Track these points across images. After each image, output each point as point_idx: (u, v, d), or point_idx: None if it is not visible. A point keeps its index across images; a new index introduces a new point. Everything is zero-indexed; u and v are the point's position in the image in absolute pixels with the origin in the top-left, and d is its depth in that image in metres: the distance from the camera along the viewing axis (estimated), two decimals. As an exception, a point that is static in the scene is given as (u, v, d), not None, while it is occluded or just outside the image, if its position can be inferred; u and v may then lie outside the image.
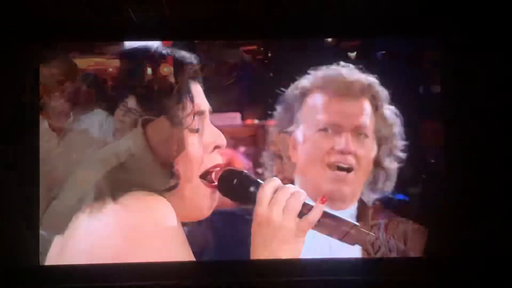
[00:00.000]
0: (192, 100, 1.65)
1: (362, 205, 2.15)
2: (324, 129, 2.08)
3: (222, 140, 1.68)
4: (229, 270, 2.13)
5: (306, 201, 1.64)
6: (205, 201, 1.67)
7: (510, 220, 2.31)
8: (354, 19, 2.32)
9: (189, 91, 1.67)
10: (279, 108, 2.18)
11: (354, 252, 2.13)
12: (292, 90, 2.16)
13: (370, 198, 2.17)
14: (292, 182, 2.13)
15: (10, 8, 2.18)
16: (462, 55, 2.36)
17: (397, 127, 2.17)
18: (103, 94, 1.98)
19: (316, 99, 2.12)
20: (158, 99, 1.71)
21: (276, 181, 1.61)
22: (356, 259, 2.17)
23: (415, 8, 2.29)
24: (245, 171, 1.71)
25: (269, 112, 2.19)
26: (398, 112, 2.17)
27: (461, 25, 2.35)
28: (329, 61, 2.19)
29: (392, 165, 2.17)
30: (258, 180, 1.67)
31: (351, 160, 2.05)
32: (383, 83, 2.16)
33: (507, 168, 2.33)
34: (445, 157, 2.33)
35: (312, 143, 2.08)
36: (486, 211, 2.31)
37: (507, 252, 2.28)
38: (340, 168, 2.06)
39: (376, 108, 2.12)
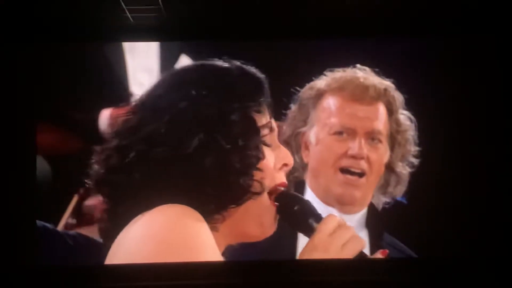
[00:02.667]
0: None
1: (372, 210, 2.14)
2: (338, 133, 2.08)
3: (290, 159, 1.65)
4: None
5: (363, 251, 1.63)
6: (269, 218, 1.61)
7: (506, 220, 2.33)
8: (371, 19, 2.32)
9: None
10: (293, 108, 2.17)
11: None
12: (307, 91, 2.15)
13: (380, 201, 2.16)
14: (303, 183, 2.13)
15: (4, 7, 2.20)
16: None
17: (411, 133, 2.16)
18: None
19: (331, 102, 2.11)
20: None
21: (339, 218, 1.62)
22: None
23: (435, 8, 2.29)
24: (308, 200, 1.71)
25: (283, 111, 2.19)
26: (412, 118, 2.16)
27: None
28: (345, 62, 2.18)
29: (404, 170, 2.16)
30: (319, 213, 1.67)
31: (363, 165, 2.05)
32: (398, 87, 2.15)
33: (504, 168, 2.35)
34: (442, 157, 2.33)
35: (325, 146, 2.08)
36: (482, 211, 2.33)
37: (502, 252, 2.30)
38: (352, 173, 2.06)
39: (391, 113, 2.11)
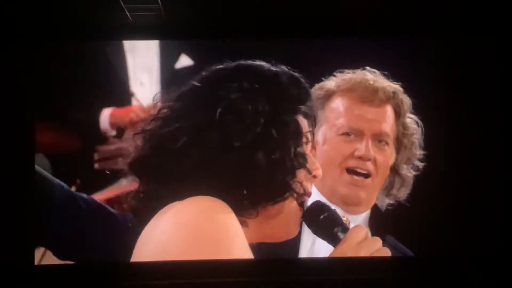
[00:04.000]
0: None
1: (375, 211, 2.17)
2: (346, 134, 2.10)
3: (320, 172, 1.68)
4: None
5: None
6: (295, 221, 1.63)
7: (500, 219, 2.37)
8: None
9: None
10: None
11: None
12: (316, 91, 2.16)
13: (384, 203, 2.18)
14: (309, 182, 2.15)
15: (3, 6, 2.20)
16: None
17: (417, 136, 2.18)
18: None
19: (340, 103, 2.13)
20: None
21: (366, 229, 1.66)
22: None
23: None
24: (334, 208, 1.74)
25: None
26: (419, 122, 2.18)
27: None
28: (353, 63, 2.20)
29: (409, 173, 2.18)
30: (345, 223, 1.70)
31: (369, 166, 2.07)
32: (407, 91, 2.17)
33: (500, 168, 2.39)
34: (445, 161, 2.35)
35: (332, 146, 2.10)
36: (486, 215, 2.37)
37: (497, 252, 2.34)
38: (358, 173, 2.08)
39: (398, 116, 2.13)
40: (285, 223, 1.58)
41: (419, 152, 2.19)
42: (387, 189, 2.17)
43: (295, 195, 1.55)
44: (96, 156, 2.20)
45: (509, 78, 2.42)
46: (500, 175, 2.40)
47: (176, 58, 2.34)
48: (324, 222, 1.66)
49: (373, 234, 2.13)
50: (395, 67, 2.22)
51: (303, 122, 1.60)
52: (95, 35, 2.35)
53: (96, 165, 2.18)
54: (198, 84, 1.63)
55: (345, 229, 1.66)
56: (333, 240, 1.65)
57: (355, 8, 2.31)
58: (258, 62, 1.65)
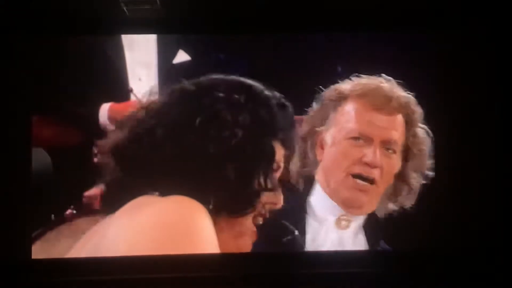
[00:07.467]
0: None
1: (372, 217, 2.20)
2: (355, 138, 2.11)
3: (281, 202, 1.77)
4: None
5: None
6: (247, 237, 1.71)
7: (491, 213, 2.38)
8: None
9: None
10: (314, 106, 2.21)
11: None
12: (330, 92, 2.19)
13: (388, 209, 2.20)
14: (313, 178, 2.18)
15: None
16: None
17: (427, 146, 2.19)
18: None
19: (352, 107, 2.14)
20: None
21: None
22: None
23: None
24: (298, 233, 1.81)
25: (305, 109, 2.23)
26: (430, 132, 2.20)
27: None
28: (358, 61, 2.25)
29: (416, 182, 2.19)
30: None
31: (375, 173, 2.09)
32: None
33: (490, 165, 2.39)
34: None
35: (340, 149, 2.12)
36: (487, 225, 2.37)
37: (490, 245, 2.35)
38: (364, 179, 2.10)
39: (409, 125, 2.14)
40: (237, 238, 1.67)
41: (428, 162, 2.21)
42: (393, 196, 2.18)
43: (253, 214, 1.65)
44: (95, 150, 2.24)
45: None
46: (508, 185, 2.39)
47: (174, 53, 2.35)
48: (287, 244, 1.73)
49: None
50: (406, 74, 2.23)
51: (279, 150, 1.67)
52: (92, 30, 2.35)
53: (95, 159, 2.23)
54: (189, 87, 1.69)
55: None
56: None
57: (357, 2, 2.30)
58: (253, 82, 1.72)
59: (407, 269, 2.31)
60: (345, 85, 2.18)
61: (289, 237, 1.79)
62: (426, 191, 2.23)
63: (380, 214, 2.20)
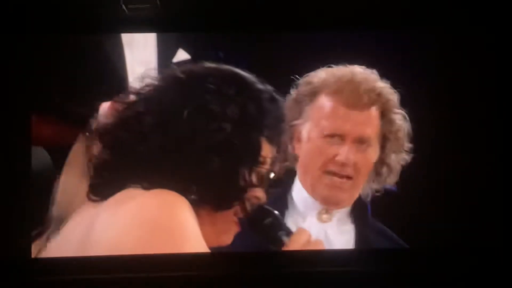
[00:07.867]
0: None
1: (357, 202, 2.20)
2: (329, 136, 2.09)
3: (264, 198, 1.78)
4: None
5: None
6: (229, 231, 1.73)
7: (495, 212, 2.40)
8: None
9: None
10: (290, 99, 2.17)
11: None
12: (303, 86, 2.15)
13: (371, 189, 2.21)
14: (294, 172, 2.18)
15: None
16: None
17: (404, 131, 2.17)
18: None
19: (325, 103, 2.11)
20: None
21: (309, 232, 1.79)
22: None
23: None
24: (278, 213, 1.83)
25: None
26: (406, 116, 2.17)
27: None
28: (342, 56, 2.18)
29: (396, 164, 2.19)
30: (289, 228, 1.80)
31: (349, 170, 2.08)
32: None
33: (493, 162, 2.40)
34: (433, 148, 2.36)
35: (315, 146, 2.10)
36: (474, 201, 2.40)
37: (492, 244, 2.38)
38: (339, 176, 2.09)
39: (384, 115, 2.11)
40: (219, 232, 1.69)
41: (406, 145, 2.19)
42: (375, 177, 2.18)
43: (236, 208, 1.67)
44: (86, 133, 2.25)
45: (505, 71, 2.35)
46: (492, 167, 2.40)
47: (174, 52, 2.32)
48: (268, 226, 1.78)
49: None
50: (385, 60, 2.20)
51: (266, 146, 1.66)
52: (92, 28, 2.32)
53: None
54: (180, 75, 1.68)
55: (288, 233, 1.80)
56: (277, 243, 1.78)
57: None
58: (246, 74, 1.68)
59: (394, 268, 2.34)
60: (317, 79, 2.13)
61: (270, 219, 1.83)
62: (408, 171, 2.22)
63: (365, 196, 2.21)
